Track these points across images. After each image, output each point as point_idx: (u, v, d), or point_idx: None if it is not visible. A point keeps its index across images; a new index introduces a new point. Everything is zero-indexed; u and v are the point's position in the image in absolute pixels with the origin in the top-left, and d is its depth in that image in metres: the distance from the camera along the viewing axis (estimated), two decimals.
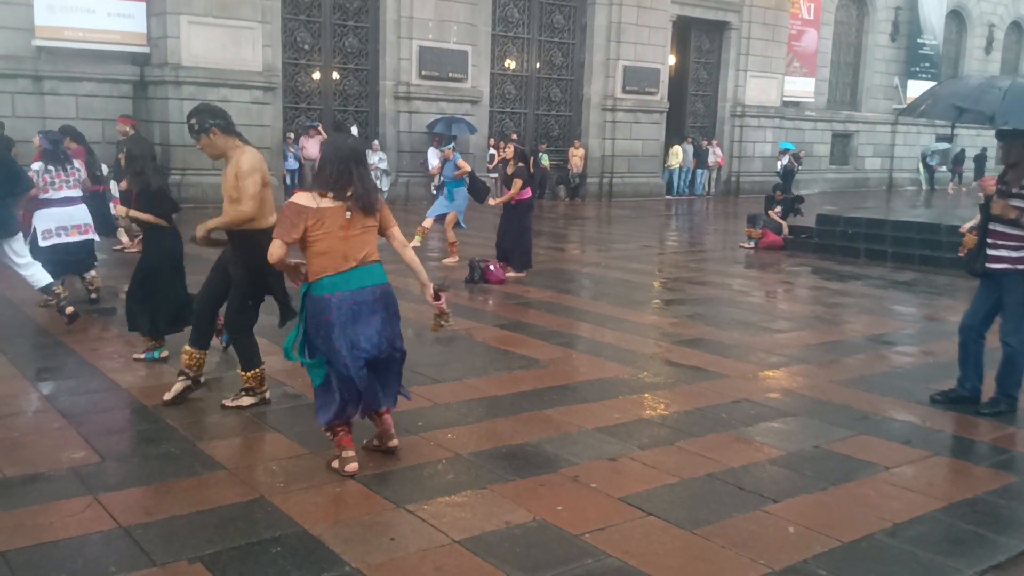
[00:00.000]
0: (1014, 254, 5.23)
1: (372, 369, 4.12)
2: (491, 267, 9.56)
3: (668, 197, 23.73)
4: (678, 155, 24.13)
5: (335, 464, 4.17)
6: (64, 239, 7.67)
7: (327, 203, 3.99)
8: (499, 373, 6.02)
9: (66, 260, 7.71)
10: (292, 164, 18.16)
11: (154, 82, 16.64)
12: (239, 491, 3.93)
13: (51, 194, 7.62)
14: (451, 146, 11.14)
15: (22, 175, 7.27)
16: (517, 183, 9.89)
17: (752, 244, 13.68)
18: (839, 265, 12.12)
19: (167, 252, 5.99)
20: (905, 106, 6.66)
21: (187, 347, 5.16)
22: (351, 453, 4.16)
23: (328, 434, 4.22)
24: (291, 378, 5.63)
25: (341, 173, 4.00)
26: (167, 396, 5.10)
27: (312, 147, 17.78)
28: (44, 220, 7.61)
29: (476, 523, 3.67)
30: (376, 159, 18.52)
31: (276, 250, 3.98)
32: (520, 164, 9.99)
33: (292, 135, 18.32)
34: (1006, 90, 5.02)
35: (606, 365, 6.33)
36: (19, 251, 7.11)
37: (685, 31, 24.22)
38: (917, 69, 29.73)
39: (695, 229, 17.91)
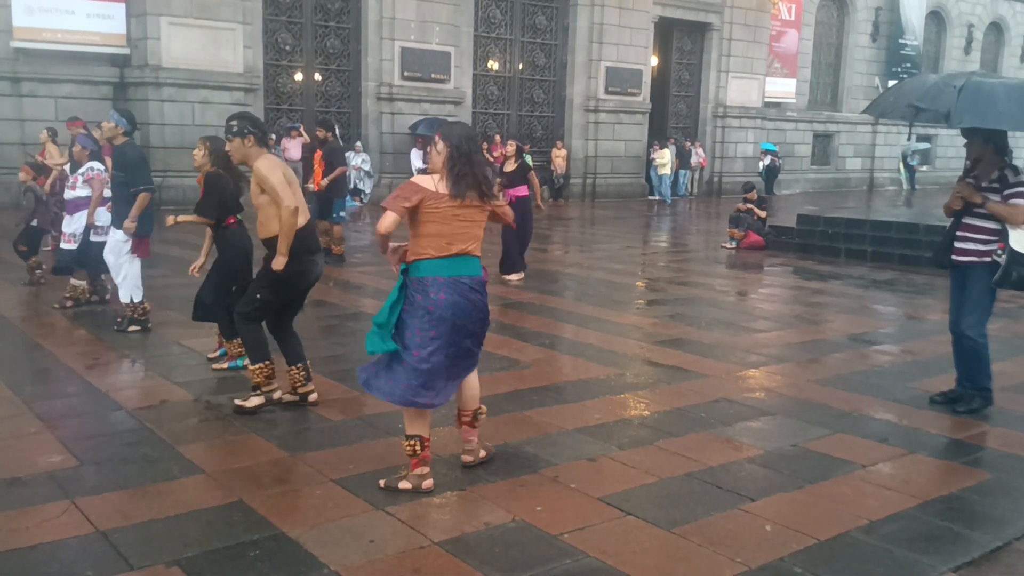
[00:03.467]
0: (982, 247, 5.27)
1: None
2: None
3: (652, 198, 23.76)
4: (667, 160, 23.53)
5: (403, 484, 3.99)
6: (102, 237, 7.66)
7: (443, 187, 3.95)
8: (480, 374, 5.98)
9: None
10: None
11: (134, 83, 16.53)
12: (217, 494, 3.92)
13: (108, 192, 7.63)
14: None
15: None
16: (534, 179, 10.38)
17: (734, 244, 13.75)
18: (819, 265, 12.20)
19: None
20: (869, 104, 6.68)
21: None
22: (427, 471, 4.05)
23: (409, 446, 4.00)
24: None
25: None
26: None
27: (294, 148, 17.70)
28: (103, 217, 7.64)
29: (455, 524, 3.68)
30: (359, 160, 18.49)
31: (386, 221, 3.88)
32: (521, 161, 10.29)
33: (273, 136, 18.20)
34: (960, 88, 5.10)
35: (587, 366, 6.35)
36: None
37: (667, 32, 24.30)
38: (898, 69, 29.92)
39: (677, 230, 17.98)
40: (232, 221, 5.82)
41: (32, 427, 4.74)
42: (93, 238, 7.64)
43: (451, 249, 3.93)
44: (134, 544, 3.43)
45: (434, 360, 3.92)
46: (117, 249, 6.96)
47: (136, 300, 6.98)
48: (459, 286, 3.93)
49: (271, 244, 5.00)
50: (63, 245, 7.88)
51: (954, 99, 5.08)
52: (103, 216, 7.56)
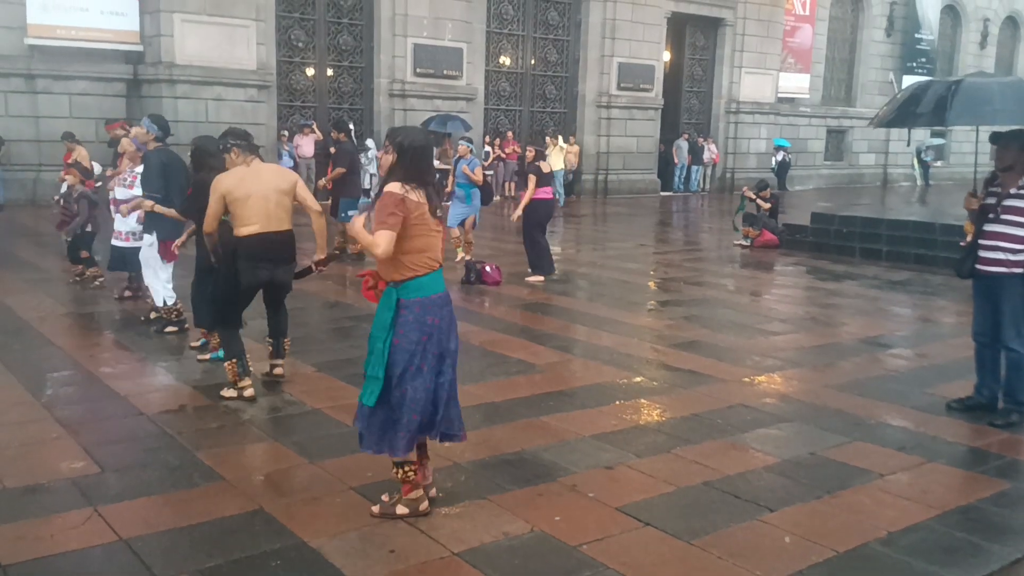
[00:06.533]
0: (1012, 257, 5.17)
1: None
2: (487, 268, 9.57)
3: (664, 194, 23.71)
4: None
5: (400, 510, 3.80)
6: None
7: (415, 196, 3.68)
8: (496, 378, 6.04)
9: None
10: (287, 162, 18.10)
11: (148, 80, 16.59)
12: (239, 502, 3.95)
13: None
14: (466, 144, 10.74)
15: None
16: (532, 179, 10.00)
17: (747, 243, 13.70)
18: (834, 264, 12.14)
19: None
20: (873, 117, 6.72)
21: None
22: (421, 493, 3.86)
23: (398, 472, 3.80)
24: (290, 385, 5.65)
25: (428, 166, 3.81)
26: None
27: (307, 145, 17.74)
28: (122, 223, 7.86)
29: (475, 534, 3.70)
30: (364, 160, 18.49)
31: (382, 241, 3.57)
32: (536, 164, 10.17)
33: (286, 133, 18.28)
34: (955, 88, 5.17)
35: (602, 369, 6.36)
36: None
37: (680, 27, 24.21)
38: (913, 64, 29.72)
39: (690, 227, 17.93)
40: None
41: (54, 432, 4.78)
42: (114, 241, 7.90)
43: (435, 264, 3.74)
44: (158, 553, 3.46)
45: (423, 389, 3.71)
46: (146, 252, 7.13)
47: (169, 303, 7.07)
48: (445, 302, 3.79)
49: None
50: (115, 242, 7.94)
51: (949, 99, 5.10)
52: (122, 222, 7.69)
